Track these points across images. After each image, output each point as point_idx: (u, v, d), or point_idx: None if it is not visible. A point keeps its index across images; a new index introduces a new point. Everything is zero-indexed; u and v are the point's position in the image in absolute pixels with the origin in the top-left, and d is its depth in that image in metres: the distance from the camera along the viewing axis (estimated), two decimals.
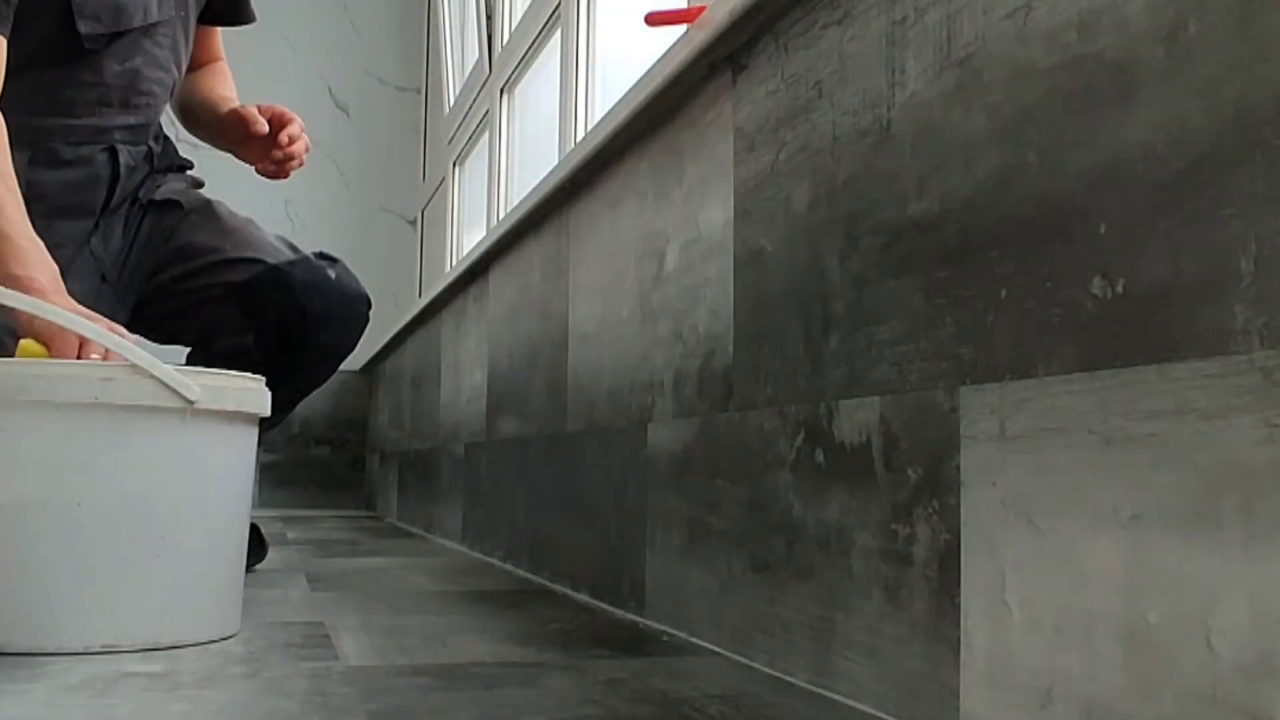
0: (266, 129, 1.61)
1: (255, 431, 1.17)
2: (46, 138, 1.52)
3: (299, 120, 1.65)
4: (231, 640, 1.09)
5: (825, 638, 0.89)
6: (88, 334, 1.07)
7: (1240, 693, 0.53)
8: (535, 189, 1.74)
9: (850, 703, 0.85)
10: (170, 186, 1.68)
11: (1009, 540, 0.69)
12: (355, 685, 0.89)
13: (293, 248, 1.69)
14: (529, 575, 1.76)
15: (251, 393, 1.13)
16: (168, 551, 1.05)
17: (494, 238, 2.03)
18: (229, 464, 1.12)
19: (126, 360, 1.05)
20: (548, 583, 1.65)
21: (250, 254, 1.62)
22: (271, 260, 1.62)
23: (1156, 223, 0.60)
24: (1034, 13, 0.69)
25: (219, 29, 1.79)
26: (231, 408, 1.10)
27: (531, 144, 3.18)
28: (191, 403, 1.05)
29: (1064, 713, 0.64)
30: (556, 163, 1.72)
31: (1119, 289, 0.62)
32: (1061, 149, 0.67)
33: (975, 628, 0.72)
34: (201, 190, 1.73)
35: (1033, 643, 0.67)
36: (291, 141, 1.61)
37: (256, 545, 1.73)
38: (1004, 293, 0.71)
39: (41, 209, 1.41)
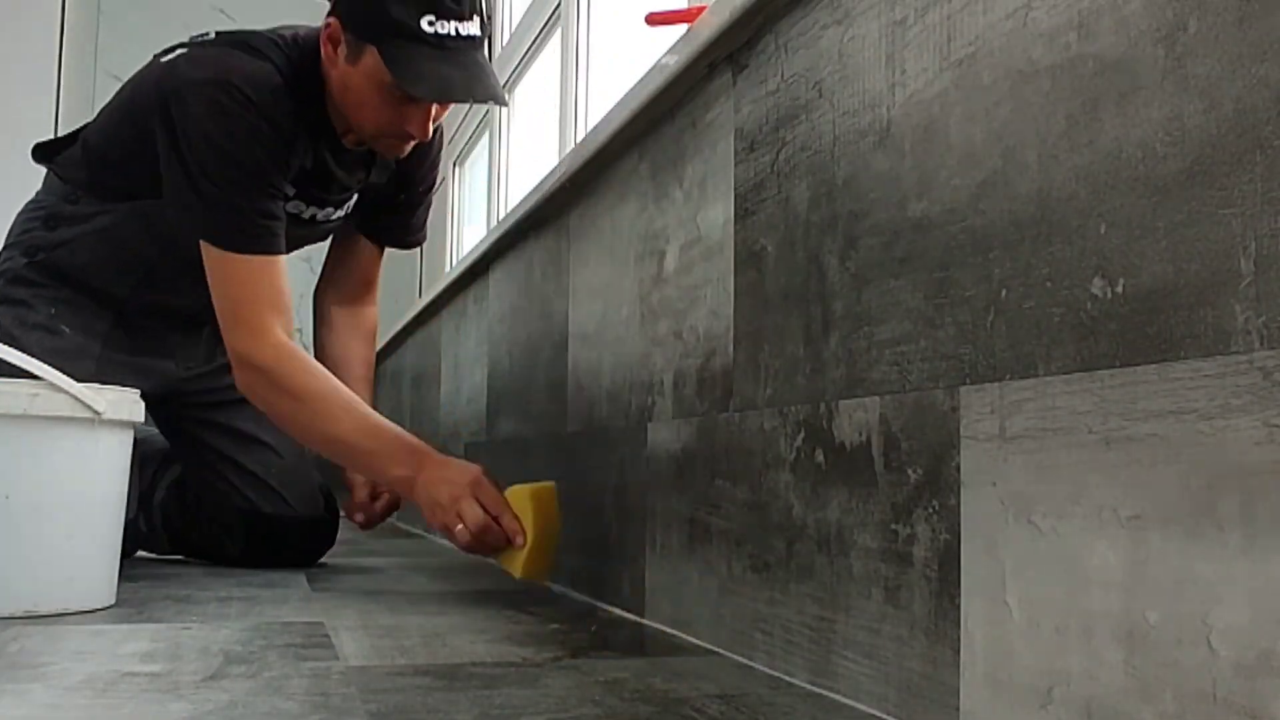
0: (361, 522, 1.82)
1: (133, 434, 1.39)
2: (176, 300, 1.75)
3: (389, 514, 1.84)
4: (232, 640, 1.09)
5: (825, 638, 0.89)
6: (40, 374, 1.26)
7: (1240, 693, 0.53)
8: (535, 189, 1.74)
9: (850, 703, 0.85)
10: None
11: (1009, 540, 0.69)
12: (355, 685, 0.89)
13: (326, 495, 1.91)
14: None
15: (137, 405, 1.37)
16: (79, 533, 1.29)
17: (494, 238, 2.03)
18: (122, 461, 1.37)
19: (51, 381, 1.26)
20: (547, 582, 1.65)
21: (287, 494, 1.84)
22: (301, 511, 1.85)
23: (1156, 223, 0.60)
24: (1034, 13, 0.69)
25: (380, 255, 1.94)
26: (125, 417, 1.34)
27: (531, 144, 3.18)
28: (99, 414, 1.29)
29: (1064, 713, 0.64)
30: (556, 163, 1.72)
31: (1119, 289, 0.62)
32: (1061, 149, 0.67)
33: (975, 628, 0.72)
34: None
35: (1033, 643, 0.67)
36: (368, 522, 1.82)
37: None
38: (1004, 293, 0.71)
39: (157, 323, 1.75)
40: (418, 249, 2.01)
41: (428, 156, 1.82)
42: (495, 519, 1.40)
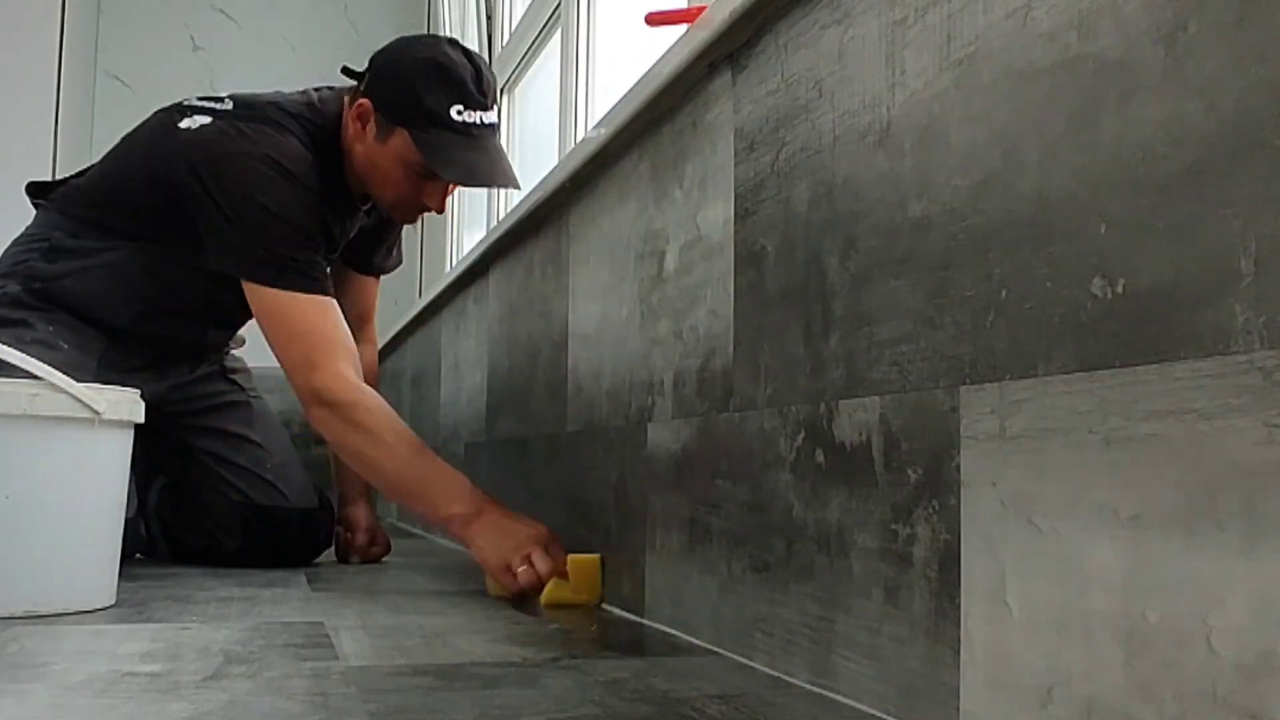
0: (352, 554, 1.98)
1: (133, 434, 1.40)
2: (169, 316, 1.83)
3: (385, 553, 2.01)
4: (232, 640, 1.09)
5: (825, 638, 0.89)
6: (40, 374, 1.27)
7: (1240, 693, 0.53)
8: (535, 189, 1.74)
9: (850, 703, 0.85)
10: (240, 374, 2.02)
11: (1009, 540, 0.69)
12: (355, 685, 0.89)
13: (320, 493, 1.96)
14: None
15: (137, 405, 1.37)
16: (79, 533, 1.29)
17: (494, 238, 2.03)
18: (122, 461, 1.37)
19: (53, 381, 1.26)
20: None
21: (282, 487, 1.89)
22: (296, 503, 1.89)
23: (1156, 223, 0.60)
24: (1034, 13, 0.69)
25: (377, 283, 2.09)
26: (125, 417, 1.34)
27: (531, 144, 3.18)
28: (99, 414, 1.28)
29: (1064, 713, 0.64)
30: (556, 163, 1.72)
31: (1119, 289, 0.62)
32: (1061, 149, 0.67)
33: (975, 628, 0.72)
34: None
35: (1033, 643, 0.67)
36: (361, 555, 1.98)
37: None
38: (1004, 293, 0.71)
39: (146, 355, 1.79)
40: (402, 264, 2.19)
41: None
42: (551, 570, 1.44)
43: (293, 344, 1.62)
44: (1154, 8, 0.60)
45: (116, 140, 1.84)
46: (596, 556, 1.43)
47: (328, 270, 1.70)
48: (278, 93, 1.77)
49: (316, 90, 1.79)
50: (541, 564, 1.43)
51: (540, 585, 1.42)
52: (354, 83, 1.74)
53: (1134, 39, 0.62)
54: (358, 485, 2.05)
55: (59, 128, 3.50)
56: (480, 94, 1.62)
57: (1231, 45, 0.56)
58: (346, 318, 1.94)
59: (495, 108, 1.66)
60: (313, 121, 1.71)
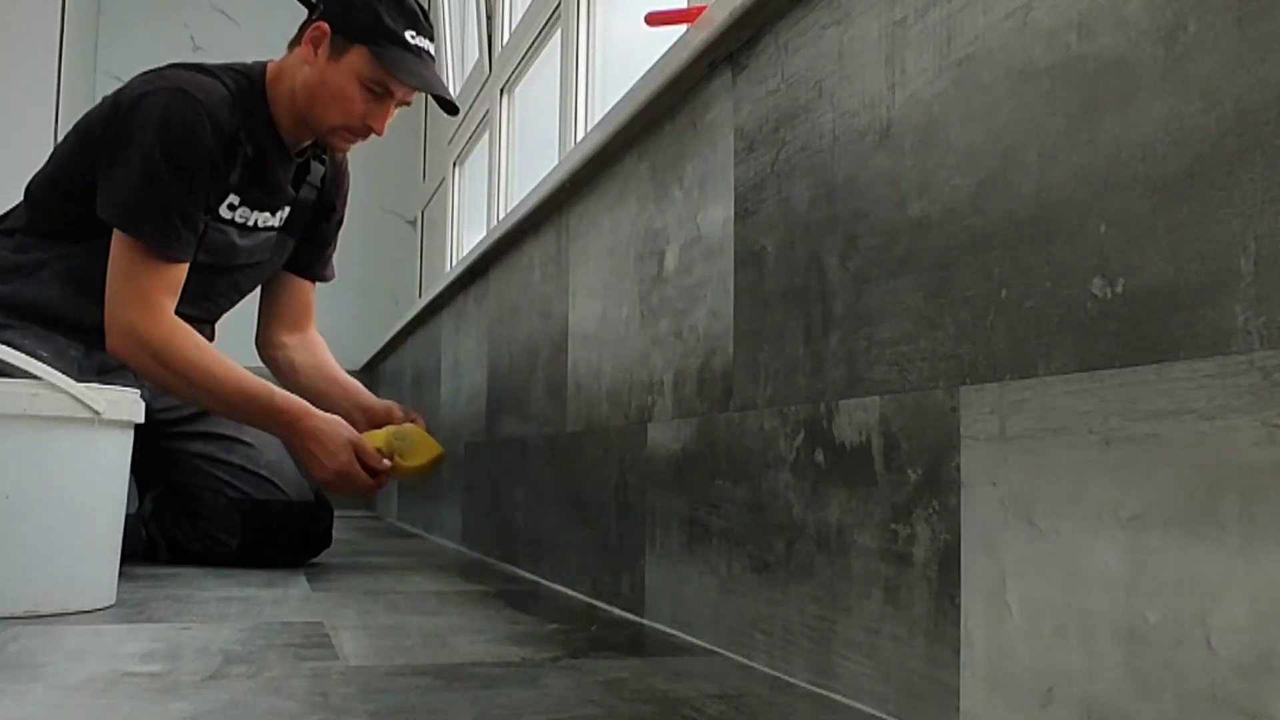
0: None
1: (133, 434, 1.40)
2: None
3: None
4: (232, 640, 1.09)
5: (825, 638, 0.89)
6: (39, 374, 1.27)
7: (1240, 693, 0.53)
8: (535, 189, 1.74)
9: (850, 703, 0.85)
10: None
11: (1009, 540, 0.69)
12: (355, 685, 0.89)
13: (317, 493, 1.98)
14: (529, 575, 1.76)
15: (138, 405, 1.37)
16: (79, 533, 1.29)
17: (494, 238, 2.03)
18: (122, 461, 1.37)
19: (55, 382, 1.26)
20: (548, 583, 1.65)
21: (278, 481, 1.92)
22: (294, 496, 1.92)
23: (1156, 223, 0.60)
24: (1034, 13, 0.69)
25: (313, 287, 2.18)
26: (125, 417, 1.34)
27: (531, 144, 3.18)
28: (99, 414, 1.28)
29: (1064, 713, 0.64)
30: (556, 163, 1.72)
31: (1119, 289, 0.62)
32: (1061, 149, 0.67)
33: (975, 628, 0.72)
34: None
35: (1033, 643, 0.67)
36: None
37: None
38: (1004, 293, 0.71)
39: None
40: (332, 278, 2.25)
41: (342, 187, 2.09)
42: (373, 470, 1.75)
43: (122, 283, 1.71)
44: (1154, 8, 0.60)
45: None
46: (409, 425, 1.77)
47: (199, 226, 1.77)
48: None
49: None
50: (361, 477, 1.72)
51: (373, 487, 1.74)
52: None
53: (1134, 39, 0.62)
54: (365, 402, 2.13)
55: (59, 128, 3.50)
56: (427, 24, 1.81)
57: (1231, 45, 0.56)
58: (290, 312, 2.12)
59: (433, 45, 1.84)
60: (238, 72, 1.83)
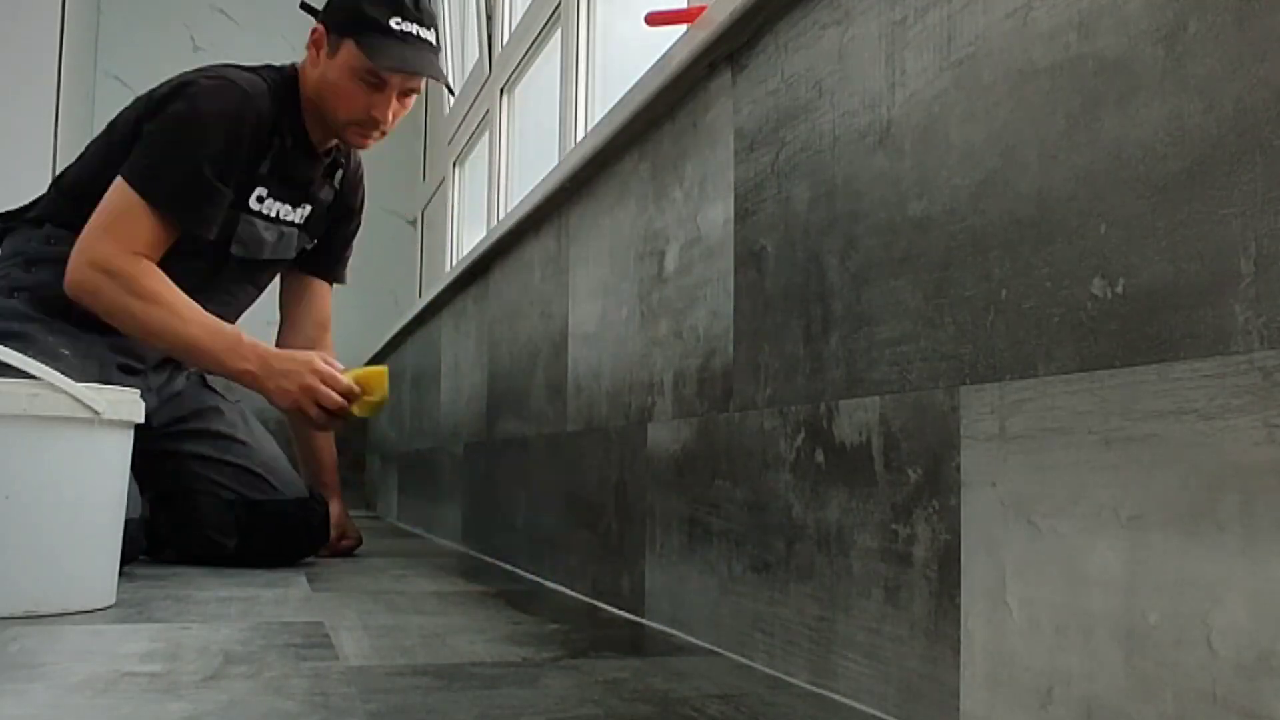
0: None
1: (133, 434, 1.40)
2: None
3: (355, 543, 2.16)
4: (232, 640, 1.09)
5: (825, 638, 0.89)
6: (45, 378, 1.27)
7: (1240, 693, 0.53)
8: (535, 189, 1.74)
9: (850, 703, 0.85)
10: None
11: (1009, 540, 0.69)
12: (355, 685, 0.89)
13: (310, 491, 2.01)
14: (529, 575, 1.76)
15: (137, 405, 1.37)
16: (79, 533, 1.29)
17: (494, 238, 2.03)
18: (122, 461, 1.37)
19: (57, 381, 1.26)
20: (548, 583, 1.65)
21: (272, 480, 1.93)
22: (289, 494, 1.93)
23: (1156, 223, 0.60)
24: (1034, 13, 0.69)
25: (329, 295, 2.22)
26: (125, 418, 1.34)
27: (531, 144, 3.18)
28: (98, 414, 1.29)
29: (1064, 713, 0.64)
30: (556, 163, 1.72)
31: (1119, 289, 0.62)
32: (1061, 149, 0.67)
33: (975, 628, 0.72)
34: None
35: (1033, 643, 0.67)
36: (331, 549, 2.07)
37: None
38: (1004, 293, 0.71)
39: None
40: (341, 275, 2.28)
41: (358, 192, 2.14)
42: (340, 394, 1.76)
43: (104, 220, 1.73)
44: (1154, 8, 0.60)
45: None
46: (378, 368, 1.81)
47: (215, 217, 1.80)
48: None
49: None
50: (327, 401, 1.75)
51: (341, 408, 1.76)
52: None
53: (1134, 39, 0.62)
54: (329, 484, 2.15)
55: (59, 128, 3.50)
56: (416, 9, 1.83)
57: (1231, 45, 0.56)
58: (306, 324, 2.14)
59: (434, 32, 1.86)
60: (276, 70, 1.91)
